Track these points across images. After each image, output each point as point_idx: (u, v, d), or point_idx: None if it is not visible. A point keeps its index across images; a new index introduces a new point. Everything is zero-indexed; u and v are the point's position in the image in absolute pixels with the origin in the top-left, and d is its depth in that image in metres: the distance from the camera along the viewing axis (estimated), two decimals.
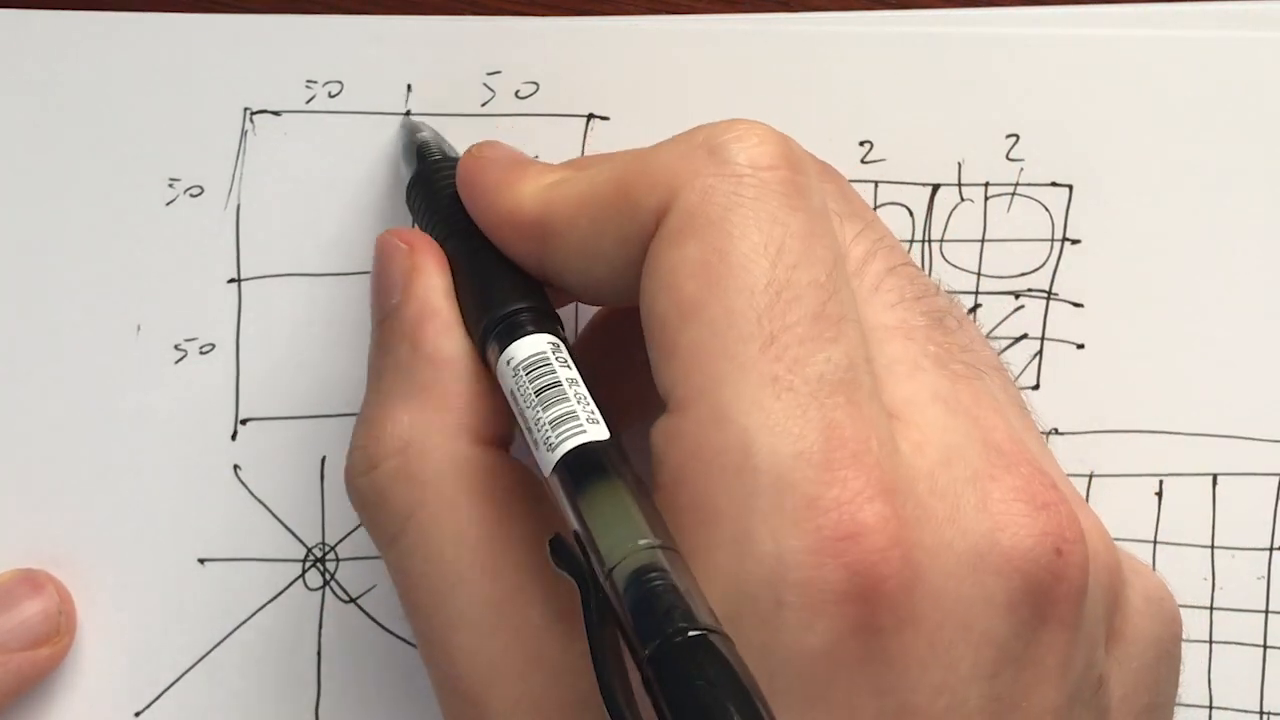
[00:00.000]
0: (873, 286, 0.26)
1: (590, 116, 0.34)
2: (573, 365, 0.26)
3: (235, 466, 0.33)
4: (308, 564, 0.33)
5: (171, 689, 0.33)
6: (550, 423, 0.25)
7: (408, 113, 0.33)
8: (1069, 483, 0.27)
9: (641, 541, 0.22)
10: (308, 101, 0.34)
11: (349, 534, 0.33)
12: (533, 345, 0.26)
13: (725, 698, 0.20)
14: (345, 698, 0.33)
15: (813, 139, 0.33)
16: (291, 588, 0.33)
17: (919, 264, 0.32)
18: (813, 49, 0.34)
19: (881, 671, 0.22)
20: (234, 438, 0.33)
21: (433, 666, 0.26)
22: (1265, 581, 0.34)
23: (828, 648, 0.22)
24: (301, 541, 0.33)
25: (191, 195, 0.34)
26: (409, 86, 0.34)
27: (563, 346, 0.26)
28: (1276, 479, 0.34)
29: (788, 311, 0.24)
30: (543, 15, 0.34)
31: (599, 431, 0.24)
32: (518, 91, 0.34)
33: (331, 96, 0.34)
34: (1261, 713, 0.33)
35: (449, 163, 0.31)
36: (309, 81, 0.34)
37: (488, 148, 0.30)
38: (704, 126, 0.26)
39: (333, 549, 0.33)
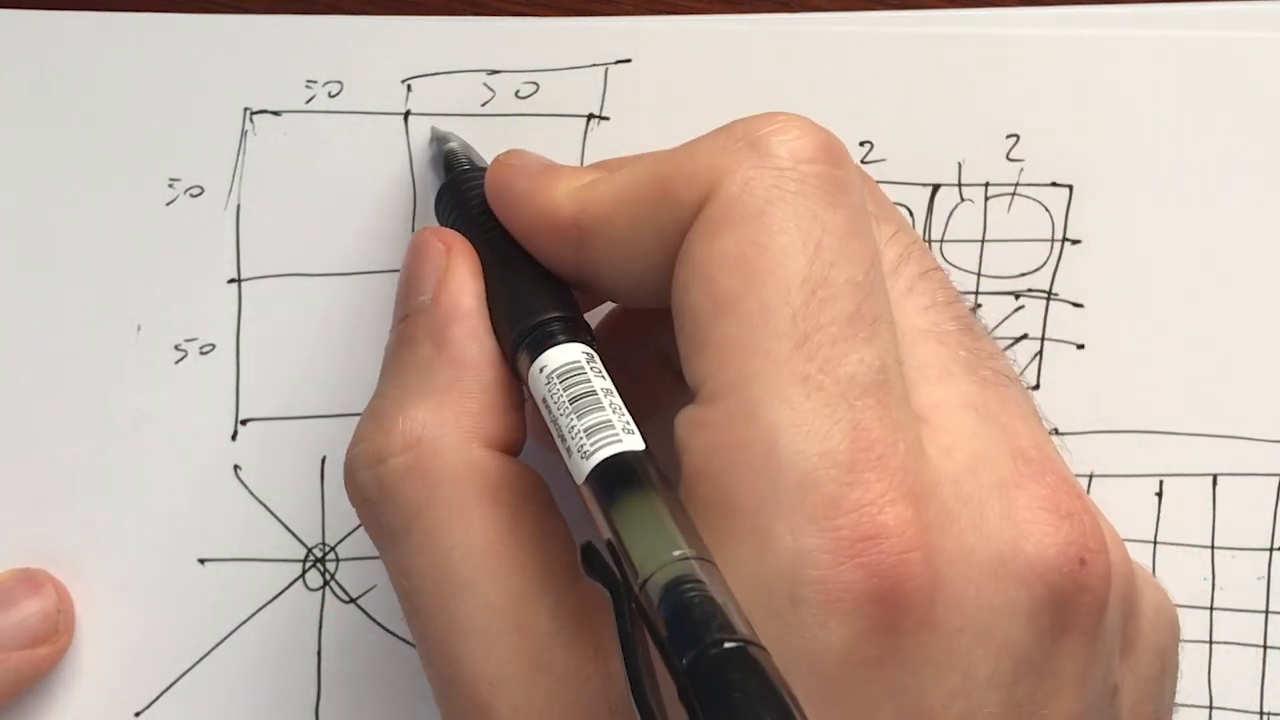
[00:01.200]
0: (906, 289, 0.26)
1: (590, 116, 0.34)
2: (606, 375, 0.26)
3: (235, 466, 0.33)
4: (308, 564, 0.33)
5: (171, 689, 0.33)
6: (585, 430, 0.24)
7: (434, 129, 0.33)
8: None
9: (676, 552, 0.22)
10: (308, 101, 0.34)
11: (349, 534, 0.33)
12: (567, 354, 0.26)
13: (764, 710, 0.19)
14: (345, 698, 0.33)
15: None
16: (291, 588, 0.33)
17: None
18: (813, 49, 0.34)
19: (898, 673, 0.22)
20: (234, 438, 0.33)
21: (434, 669, 0.26)
22: (1265, 582, 0.34)
23: (844, 647, 0.22)
24: (301, 541, 0.33)
25: (191, 195, 0.34)
26: (409, 86, 0.34)
27: (596, 357, 0.26)
28: (1276, 479, 0.34)
29: (823, 310, 0.24)
30: (543, 15, 0.34)
31: (634, 442, 0.24)
32: (518, 91, 0.34)
33: (331, 96, 0.34)
34: (1261, 713, 0.33)
35: (477, 172, 0.30)
36: (309, 81, 0.34)
37: (515, 156, 0.29)
38: (743, 120, 0.26)
39: (333, 549, 0.33)
